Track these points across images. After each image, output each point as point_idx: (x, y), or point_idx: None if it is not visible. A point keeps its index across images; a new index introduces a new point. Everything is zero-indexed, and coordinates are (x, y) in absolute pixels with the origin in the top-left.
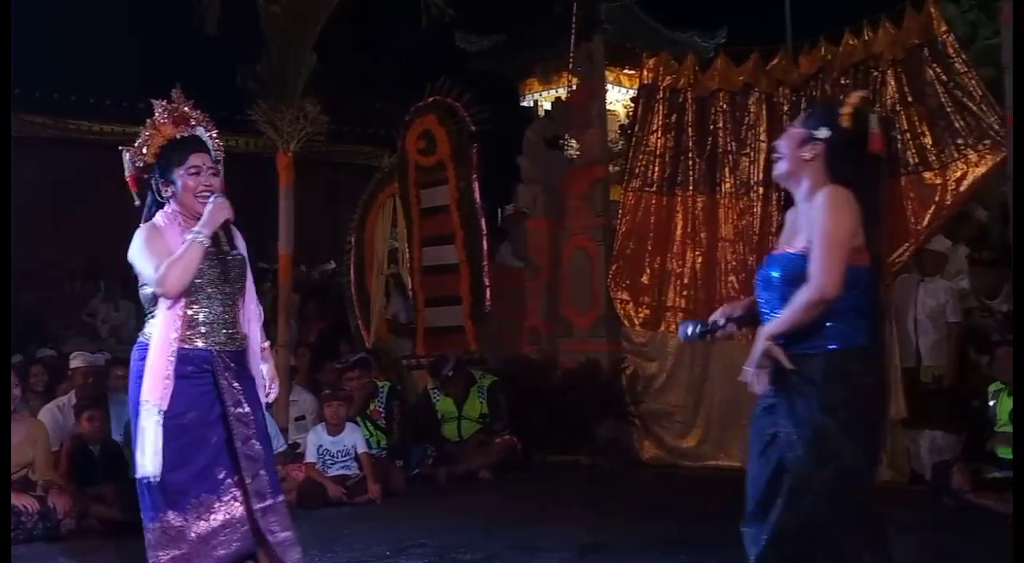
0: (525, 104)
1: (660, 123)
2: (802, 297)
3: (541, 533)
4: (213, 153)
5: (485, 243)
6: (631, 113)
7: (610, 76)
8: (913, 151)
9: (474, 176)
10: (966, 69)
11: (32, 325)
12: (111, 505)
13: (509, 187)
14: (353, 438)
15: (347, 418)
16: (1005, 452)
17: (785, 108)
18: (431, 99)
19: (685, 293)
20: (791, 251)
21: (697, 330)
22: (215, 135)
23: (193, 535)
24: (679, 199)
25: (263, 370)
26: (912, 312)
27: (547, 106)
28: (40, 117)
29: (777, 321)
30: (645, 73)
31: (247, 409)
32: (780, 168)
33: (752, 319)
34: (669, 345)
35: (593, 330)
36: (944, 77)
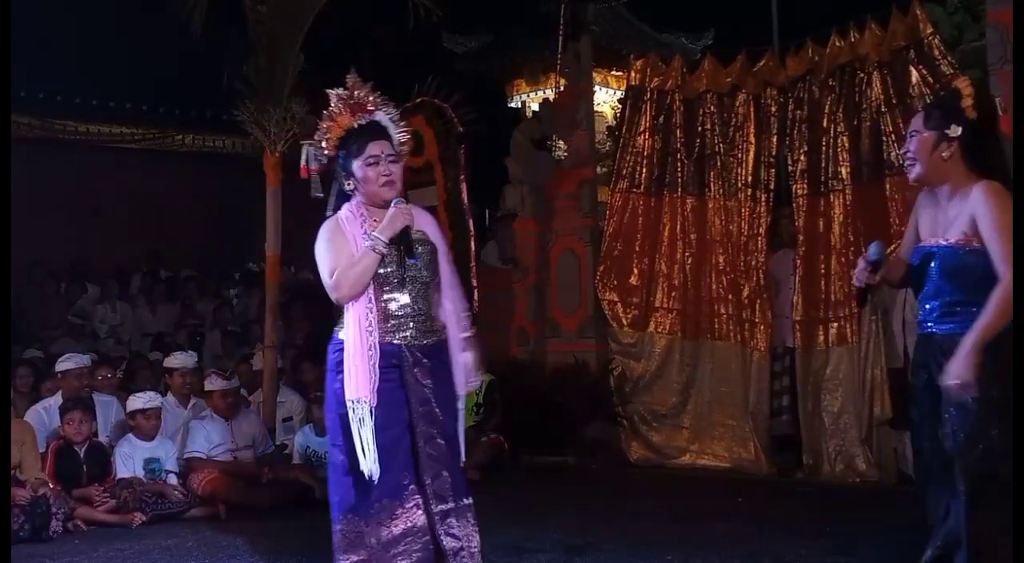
0: (513, 105)
1: (648, 124)
2: (1000, 294)
3: (528, 534)
4: (396, 138)
5: (473, 244)
6: (619, 114)
7: (598, 77)
8: (898, 152)
9: (462, 177)
10: (952, 71)
11: (15, 325)
12: (96, 507)
13: (497, 188)
14: None
15: None
16: None
17: (772, 109)
18: (419, 100)
19: (673, 294)
20: (946, 243)
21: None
22: (397, 117)
23: (373, 541)
24: (667, 200)
25: (462, 359)
26: (900, 313)
27: (535, 107)
28: (26, 117)
29: (984, 327)
30: (633, 74)
31: (434, 407)
32: (917, 172)
33: (896, 281)
34: (657, 346)
35: (581, 331)
36: (930, 79)
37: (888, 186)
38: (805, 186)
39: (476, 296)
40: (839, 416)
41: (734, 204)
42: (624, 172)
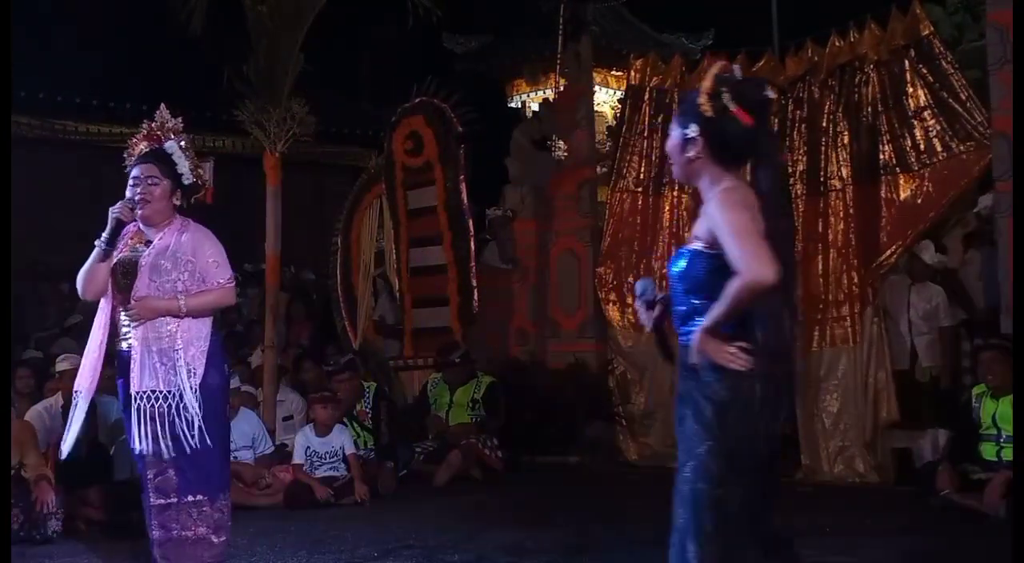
0: (513, 105)
1: (647, 124)
2: (731, 287)
3: (528, 534)
4: (180, 165)
5: (473, 244)
6: (618, 114)
7: (598, 77)
8: (892, 152)
9: (461, 177)
10: (952, 70)
11: (14, 326)
12: (97, 507)
13: (497, 188)
14: (341, 439)
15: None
16: (990, 453)
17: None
18: (418, 100)
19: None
20: (686, 247)
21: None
22: (187, 145)
23: None
24: (665, 199)
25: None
26: (905, 314)
27: (535, 107)
28: (25, 117)
29: (714, 314)
30: (632, 74)
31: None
32: (674, 172)
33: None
34: (656, 346)
35: (581, 331)
36: (931, 78)
37: (884, 186)
38: (804, 186)
39: (476, 296)
40: (838, 417)
41: None
42: (624, 172)
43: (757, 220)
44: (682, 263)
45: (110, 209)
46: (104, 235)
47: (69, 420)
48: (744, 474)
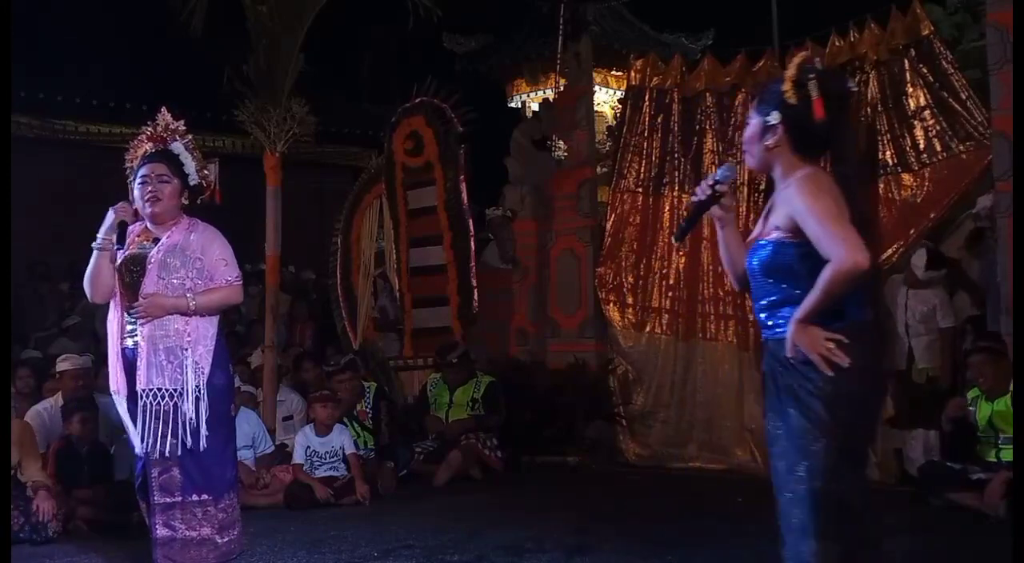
0: (513, 105)
1: (647, 124)
2: (828, 273)
3: (528, 534)
4: (188, 165)
5: (473, 244)
6: (618, 114)
7: (598, 77)
8: (892, 152)
9: (461, 177)
10: (952, 70)
11: (14, 326)
12: (97, 507)
13: (496, 188)
14: (341, 439)
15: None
16: (990, 455)
17: None
18: (418, 100)
19: (671, 294)
20: (765, 239)
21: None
22: (193, 146)
23: None
24: (665, 199)
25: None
26: (903, 315)
27: (535, 107)
28: (25, 117)
29: (808, 304)
30: (632, 74)
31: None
32: (748, 162)
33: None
34: (655, 346)
35: (581, 331)
36: (931, 78)
37: (882, 186)
38: None
39: (476, 296)
40: None
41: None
42: (624, 172)
43: (841, 206)
44: (765, 254)
45: (111, 208)
46: (101, 231)
47: (122, 422)
48: (857, 468)
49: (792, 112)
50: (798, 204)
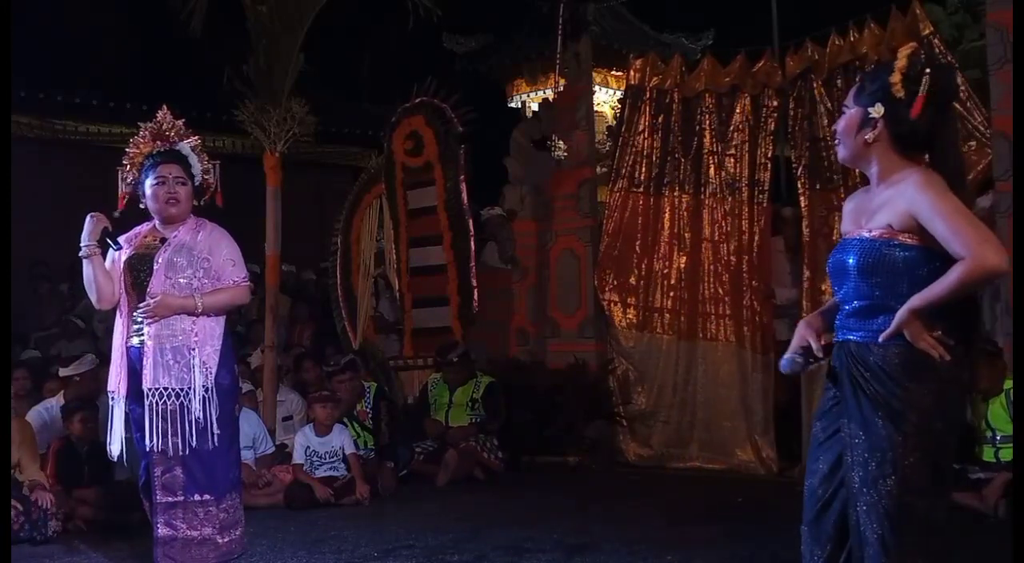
0: (513, 105)
1: (647, 124)
2: (961, 270)
3: (528, 534)
4: (196, 166)
5: (473, 244)
6: (618, 114)
7: (597, 77)
8: None
9: (461, 177)
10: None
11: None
12: (97, 507)
13: (497, 188)
14: (341, 439)
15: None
16: (989, 456)
17: (771, 109)
18: (418, 100)
19: (671, 294)
20: (868, 236)
21: (801, 363)
22: (199, 146)
23: None
24: (666, 199)
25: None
26: None
27: (535, 107)
28: (26, 117)
29: (932, 293)
30: (632, 74)
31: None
32: (841, 155)
33: (829, 326)
34: (656, 346)
35: (581, 331)
36: None
37: None
38: (807, 185)
39: (476, 296)
40: None
41: (731, 203)
42: (624, 171)
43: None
44: (867, 251)
45: (88, 215)
46: (83, 239)
47: (109, 423)
48: (945, 483)
49: (898, 107)
50: (923, 202)
